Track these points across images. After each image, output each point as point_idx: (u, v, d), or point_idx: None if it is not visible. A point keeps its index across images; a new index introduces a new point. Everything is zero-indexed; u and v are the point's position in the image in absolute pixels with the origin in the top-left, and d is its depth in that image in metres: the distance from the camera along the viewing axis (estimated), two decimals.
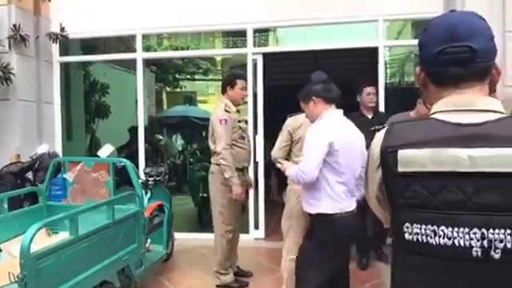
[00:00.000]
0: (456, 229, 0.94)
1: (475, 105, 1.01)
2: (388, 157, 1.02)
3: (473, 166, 0.93)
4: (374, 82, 4.61)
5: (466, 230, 0.93)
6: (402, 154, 0.99)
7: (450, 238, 0.94)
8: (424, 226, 0.97)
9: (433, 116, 1.04)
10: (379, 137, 1.07)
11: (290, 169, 2.65)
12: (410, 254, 1.00)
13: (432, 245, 0.96)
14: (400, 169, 0.99)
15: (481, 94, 1.03)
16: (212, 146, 3.70)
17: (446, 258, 0.95)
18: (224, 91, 3.81)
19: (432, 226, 0.96)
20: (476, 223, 0.92)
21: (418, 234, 0.98)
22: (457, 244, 0.94)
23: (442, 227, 0.95)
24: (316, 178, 2.43)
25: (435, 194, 0.96)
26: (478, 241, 0.92)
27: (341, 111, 2.65)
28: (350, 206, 2.53)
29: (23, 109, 5.05)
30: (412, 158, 0.98)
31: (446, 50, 1.02)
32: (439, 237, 0.95)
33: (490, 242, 0.91)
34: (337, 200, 2.47)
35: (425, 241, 0.97)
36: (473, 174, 0.93)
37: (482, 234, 0.92)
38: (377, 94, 4.42)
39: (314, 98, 2.59)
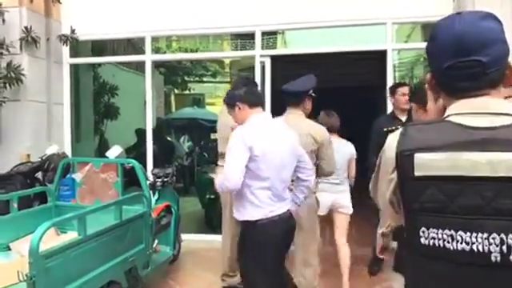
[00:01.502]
0: (474, 234, 0.92)
1: (490, 108, 0.99)
2: (404, 160, 1.00)
3: (492, 171, 0.91)
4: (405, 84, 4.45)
5: (485, 235, 0.91)
6: (419, 157, 0.97)
7: (468, 243, 0.93)
8: (441, 231, 0.95)
9: (448, 119, 1.02)
10: (393, 140, 1.05)
11: (217, 178, 2.56)
12: (425, 259, 0.99)
13: (449, 250, 0.94)
14: (416, 173, 0.98)
15: (495, 97, 1.01)
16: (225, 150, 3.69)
17: (464, 263, 0.93)
18: None
19: (449, 230, 0.94)
20: (495, 228, 0.91)
21: (434, 238, 0.96)
22: (475, 249, 0.92)
23: (460, 232, 0.93)
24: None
25: (453, 199, 0.94)
26: (497, 246, 0.91)
27: (268, 114, 2.64)
28: (278, 209, 2.43)
29: (33, 109, 5.10)
30: (429, 162, 0.96)
31: (454, 65, 1.00)
32: (457, 242, 0.94)
33: (509, 247, 0.90)
34: (261, 206, 2.39)
35: (442, 245, 0.95)
36: (492, 179, 0.91)
37: (501, 239, 0.90)
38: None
39: (238, 103, 2.54)
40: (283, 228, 2.46)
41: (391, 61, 5.03)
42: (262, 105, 2.63)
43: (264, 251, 2.42)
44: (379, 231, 2.59)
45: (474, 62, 0.98)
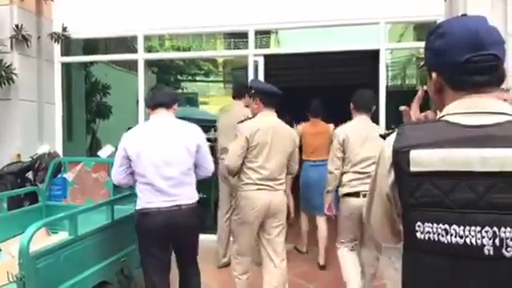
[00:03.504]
0: (468, 227, 0.95)
1: (486, 107, 1.03)
2: (400, 157, 1.03)
3: (485, 166, 0.94)
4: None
5: (478, 228, 0.94)
6: (414, 153, 1.01)
7: (461, 237, 0.95)
8: (436, 225, 0.98)
9: (443, 118, 1.06)
10: (390, 140, 1.09)
11: None
12: (421, 253, 1.02)
13: (443, 243, 0.97)
14: (412, 168, 1.01)
15: (493, 97, 1.05)
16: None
17: (458, 256, 0.96)
18: (242, 97, 4.08)
19: (444, 224, 0.97)
20: (488, 222, 0.94)
21: (429, 232, 0.99)
22: (468, 242, 0.95)
23: (454, 226, 0.96)
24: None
25: (447, 193, 0.97)
26: (489, 239, 0.93)
27: (163, 114, 2.74)
28: (160, 203, 2.61)
29: (24, 109, 5.06)
30: (424, 158, 1.00)
31: (473, 58, 1.03)
32: (451, 235, 0.96)
33: (501, 240, 0.93)
34: (142, 198, 2.65)
35: (436, 239, 0.98)
36: (485, 174, 0.94)
37: (494, 232, 0.93)
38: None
39: (147, 107, 2.86)
40: (162, 221, 2.60)
41: (384, 60, 5.04)
42: (162, 105, 2.75)
43: (143, 239, 2.69)
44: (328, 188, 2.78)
45: (491, 56, 1.03)
